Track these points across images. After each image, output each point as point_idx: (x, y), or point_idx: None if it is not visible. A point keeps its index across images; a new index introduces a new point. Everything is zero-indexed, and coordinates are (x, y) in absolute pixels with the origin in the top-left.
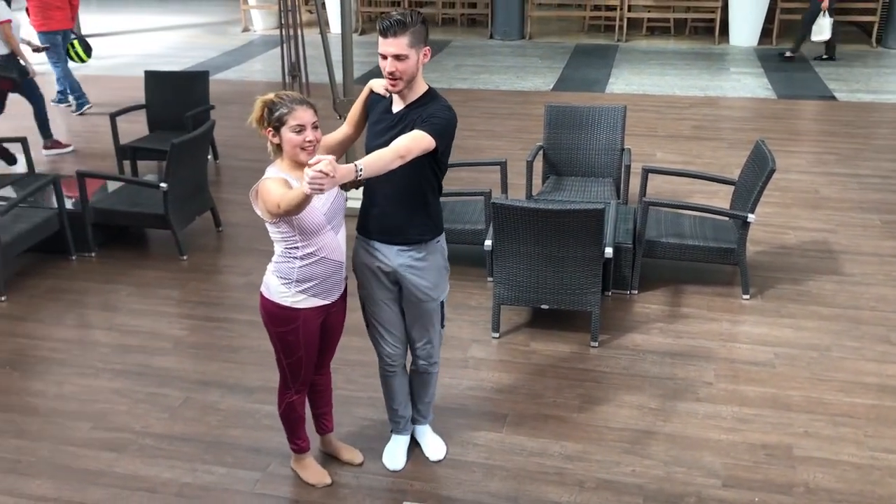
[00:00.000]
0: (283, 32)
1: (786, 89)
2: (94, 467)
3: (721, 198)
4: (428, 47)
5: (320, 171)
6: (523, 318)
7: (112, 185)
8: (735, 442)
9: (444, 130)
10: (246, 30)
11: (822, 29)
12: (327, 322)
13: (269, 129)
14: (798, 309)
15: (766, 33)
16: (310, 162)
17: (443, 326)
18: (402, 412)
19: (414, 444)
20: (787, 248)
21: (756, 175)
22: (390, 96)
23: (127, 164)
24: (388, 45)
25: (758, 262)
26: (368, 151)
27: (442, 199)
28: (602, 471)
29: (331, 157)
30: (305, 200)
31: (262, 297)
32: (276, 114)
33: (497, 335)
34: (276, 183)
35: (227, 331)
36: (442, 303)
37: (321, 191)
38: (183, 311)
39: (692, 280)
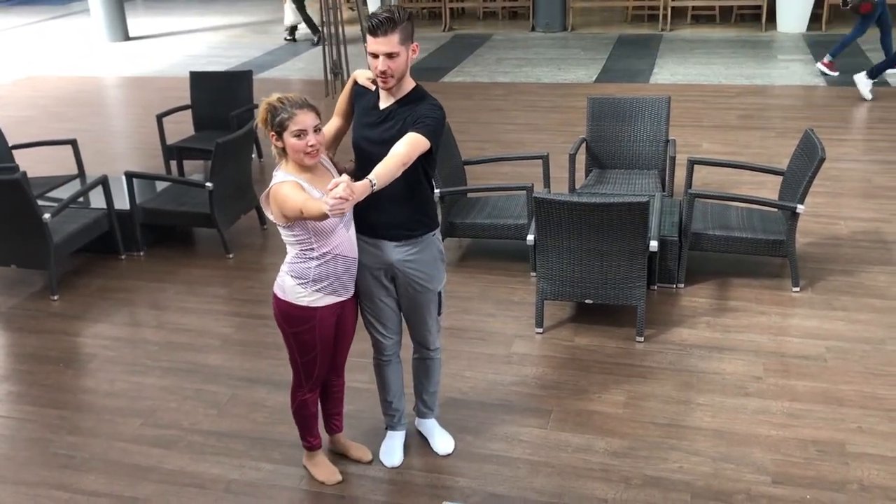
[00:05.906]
0: (325, 31)
1: (836, 76)
2: (145, 463)
3: (769, 188)
4: (416, 43)
5: (339, 198)
6: (567, 313)
7: (160, 185)
8: (785, 438)
9: (436, 130)
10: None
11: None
12: (340, 320)
13: (273, 133)
14: (850, 301)
15: (815, 19)
16: (328, 188)
17: (440, 314)
18: (396, 405)
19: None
20: (839, 238)
21: (805, 164)
22: (376, 90)
23: (174, 163)
24: (379, 44)
25: (808, 253)
26: (356, 145)
27: (484, 194)
28: (648, 467)
29: (346, 180)
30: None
31: (277, 298)
32: (278, 118)
33: (541, 330)
34: (293, 188)
35: (273, 328)
36: (439, 293)
37: (342, 213)
38: (229, 308)
39: (740, 273)
